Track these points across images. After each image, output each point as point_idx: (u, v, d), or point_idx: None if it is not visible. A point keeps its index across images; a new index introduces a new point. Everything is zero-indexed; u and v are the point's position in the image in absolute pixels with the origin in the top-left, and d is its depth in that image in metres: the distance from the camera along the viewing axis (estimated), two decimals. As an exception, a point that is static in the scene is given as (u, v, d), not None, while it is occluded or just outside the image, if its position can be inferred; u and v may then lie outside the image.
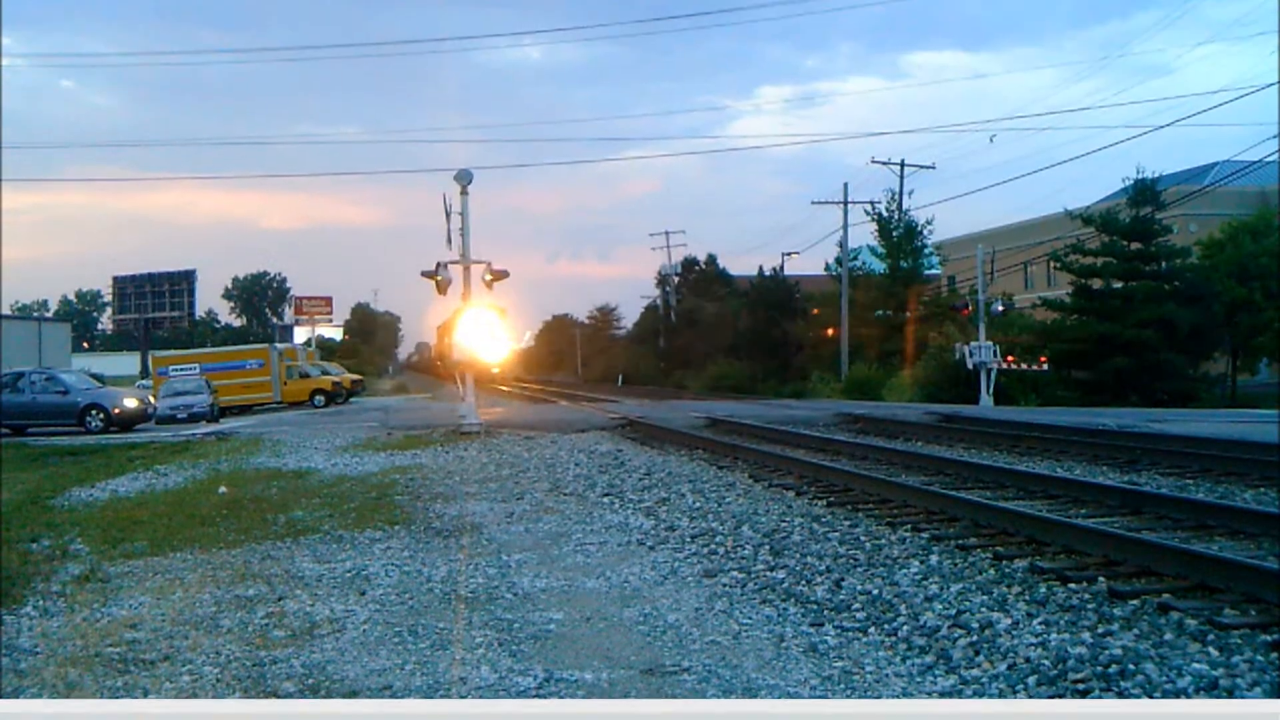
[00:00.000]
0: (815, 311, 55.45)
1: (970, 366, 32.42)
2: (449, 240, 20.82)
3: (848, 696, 5.07)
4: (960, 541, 8.35)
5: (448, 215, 20.72)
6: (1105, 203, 44.45)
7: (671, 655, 5.75)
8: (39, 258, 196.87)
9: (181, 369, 38.83)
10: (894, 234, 48.21)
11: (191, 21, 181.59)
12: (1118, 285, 39.77)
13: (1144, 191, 39.66)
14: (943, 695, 5.05)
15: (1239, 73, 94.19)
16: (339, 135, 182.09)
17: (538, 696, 5.14)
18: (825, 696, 5.06)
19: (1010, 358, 33.35)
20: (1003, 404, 31.45)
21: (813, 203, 77.09)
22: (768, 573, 7.60)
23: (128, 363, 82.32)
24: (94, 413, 26.70)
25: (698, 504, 10.81)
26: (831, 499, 10.81)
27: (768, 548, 8.42)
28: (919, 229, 47.93)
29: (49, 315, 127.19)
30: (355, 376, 53.17)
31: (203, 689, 5.37)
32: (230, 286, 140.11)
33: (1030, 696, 4.97)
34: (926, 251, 49.83)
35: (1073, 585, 6.80)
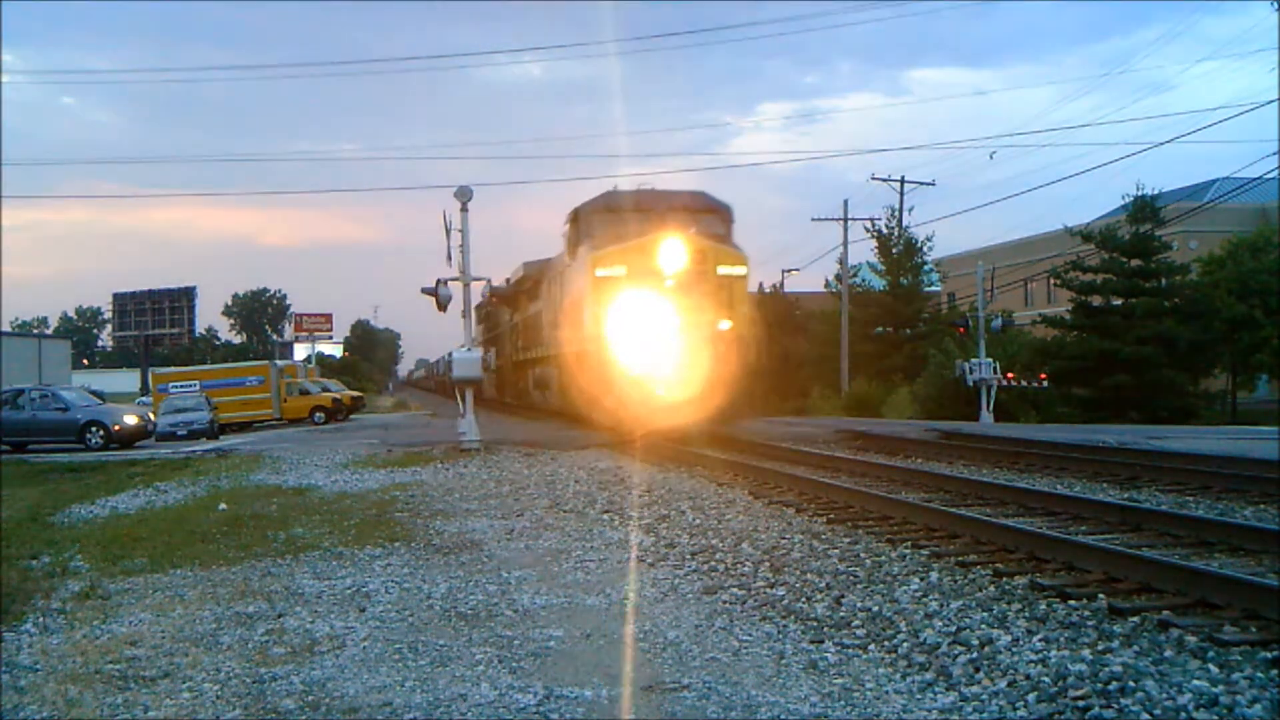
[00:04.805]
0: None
1: (970, 383, 32.43)
2: (449, 257, 20.87)
3: (848, 713, 5.07)
4: (960, 558, 8.35)
5: (448, 232, 20.77)
6: (1105, 219, 44.57)
7: (671, 672, 5.74)
8: (39, 274, 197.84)
9: (181, 386, 38.85)
10: (894, 251, 48.33)
11: (192, 39, 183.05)
12: (1118, 302, 39.86)
13: (1144, 208, 39.81)
14: (942, 712, 5.05)
15: (1239, 89, 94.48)
16: (339, 152, 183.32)
17: (538, 714, 5.13)
18: (825, 714, 5.06)
19: (1010, 374, 33.35)
20: (1003, 420, 31.44)
21: (813, 219, 76.98)
22: (768, 589, 7.60)
23: (127, 379, 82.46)
24: (94, 429, 26.78)
25: (698, 521, 10.80)
26: (831, 516, 10.80)
27: (768, 564, 8.41)
28: (919, 246, 48.06)
29: (49, 332, 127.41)
30: (355, 393, 53.16)
31: (203, 706, 5.37)
32: (230, 303, 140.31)
33: (1030, 714, 4.96)
34: (926, 268, 49.95)
35: (1073, 602, 6.80)
